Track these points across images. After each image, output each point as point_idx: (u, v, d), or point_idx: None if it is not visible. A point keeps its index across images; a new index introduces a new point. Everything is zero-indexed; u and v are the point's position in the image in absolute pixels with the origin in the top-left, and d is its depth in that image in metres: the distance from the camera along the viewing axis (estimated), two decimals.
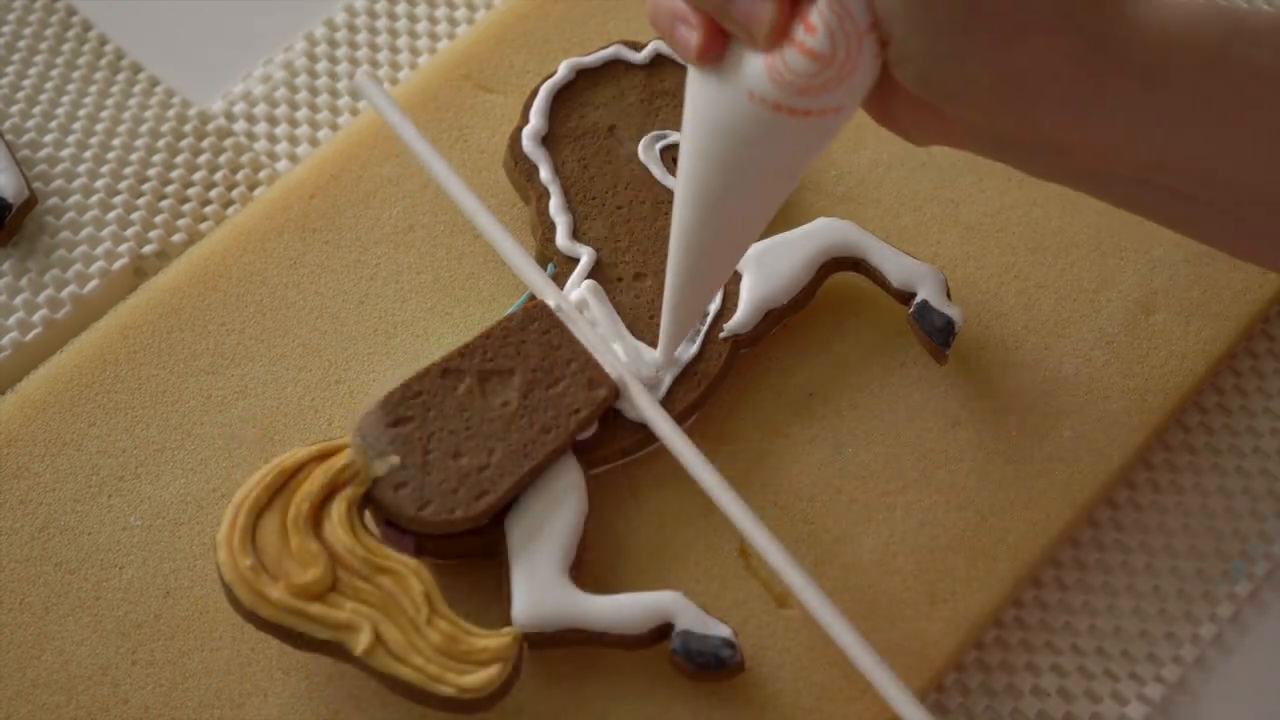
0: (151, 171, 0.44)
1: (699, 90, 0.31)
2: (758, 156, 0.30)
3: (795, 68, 0.29)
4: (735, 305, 0.40)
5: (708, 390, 0.39)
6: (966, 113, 0.30)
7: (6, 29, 0.46)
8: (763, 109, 0.30)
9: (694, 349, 0.39)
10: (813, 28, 0.29)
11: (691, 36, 0.30)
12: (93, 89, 0.45)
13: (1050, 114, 0.29)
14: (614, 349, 0.38)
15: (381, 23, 0.48)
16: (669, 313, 0.35)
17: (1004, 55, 0.29)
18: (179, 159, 0.44)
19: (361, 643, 0.34)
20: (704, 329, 0.39)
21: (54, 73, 0.46)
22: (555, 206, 0.40)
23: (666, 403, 0.38)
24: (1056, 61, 0.29)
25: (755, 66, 0.29)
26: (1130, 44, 0.29)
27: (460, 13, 0.48)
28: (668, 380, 0.39)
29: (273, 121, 0.46)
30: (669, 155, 0.41)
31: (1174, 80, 0.29)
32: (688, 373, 0.39)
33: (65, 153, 0.44)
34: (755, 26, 0.29)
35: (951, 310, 0.39)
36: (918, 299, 0.40)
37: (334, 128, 0.46)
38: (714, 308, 0.40)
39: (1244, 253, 0.36)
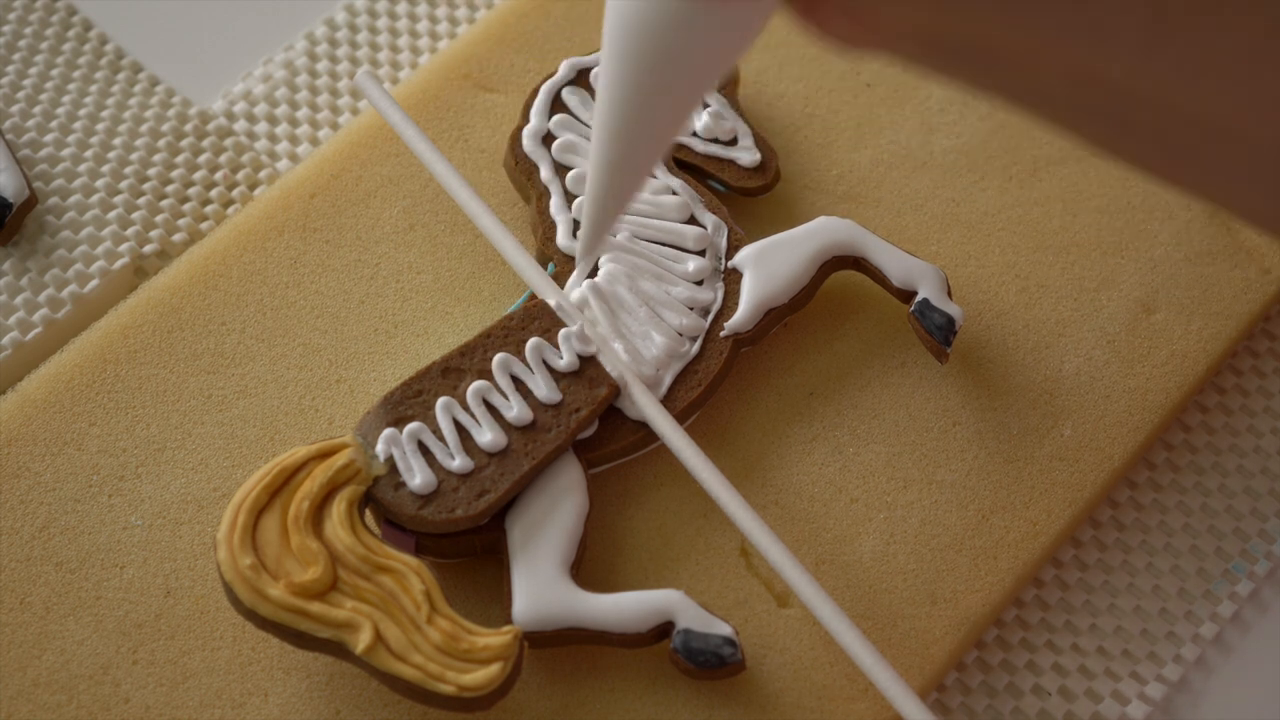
0: (152, 171, 0.44)
1: None
2: (678, 47, 0.29)
3: None
4: (736, 304, 0.40)
5: (708, 389, 0.39)
6: (899, 6, 0.28)
7: (6, 29, 0.46)
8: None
9: (694, 348, 0.39)
10: None
11: None
12: (93, 89, 0.45)
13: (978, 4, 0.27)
14: (614, 348, 0.38)
15: (382, 22, 0.48)
16: (590, 210, 0.33)
17: None
18: (179, 159, 0.44)
19: (362, 641, 0.34)
20: (704, 328, 0.39)
21: (54, 73, 0.45)
22: (555, 206, 0.40)
23: (667, 402, 0.38)
24: None
25: None
26: None
27: (460, 12, 0.48)
28: (668, 379, 0.39)
29: (273, 121, 0.46)
30: (669, 155, 0.41)
31: None
32: (688, 372, 0.39)
33: (65, 153, 0.44)
34: None
35: (952, 309, 0.39)
36: (918, 297, 0.40)
37: (334, 127, 0.46)
38: (715, 307, 0.40)
39: (1168, 176, 0.33)
